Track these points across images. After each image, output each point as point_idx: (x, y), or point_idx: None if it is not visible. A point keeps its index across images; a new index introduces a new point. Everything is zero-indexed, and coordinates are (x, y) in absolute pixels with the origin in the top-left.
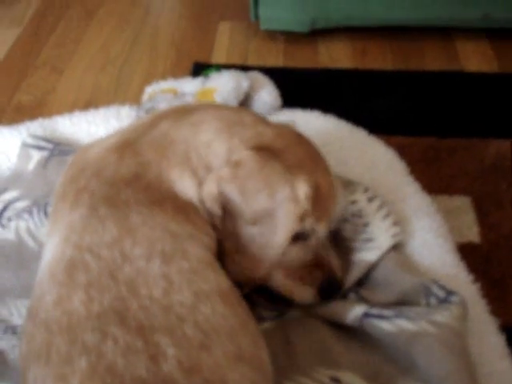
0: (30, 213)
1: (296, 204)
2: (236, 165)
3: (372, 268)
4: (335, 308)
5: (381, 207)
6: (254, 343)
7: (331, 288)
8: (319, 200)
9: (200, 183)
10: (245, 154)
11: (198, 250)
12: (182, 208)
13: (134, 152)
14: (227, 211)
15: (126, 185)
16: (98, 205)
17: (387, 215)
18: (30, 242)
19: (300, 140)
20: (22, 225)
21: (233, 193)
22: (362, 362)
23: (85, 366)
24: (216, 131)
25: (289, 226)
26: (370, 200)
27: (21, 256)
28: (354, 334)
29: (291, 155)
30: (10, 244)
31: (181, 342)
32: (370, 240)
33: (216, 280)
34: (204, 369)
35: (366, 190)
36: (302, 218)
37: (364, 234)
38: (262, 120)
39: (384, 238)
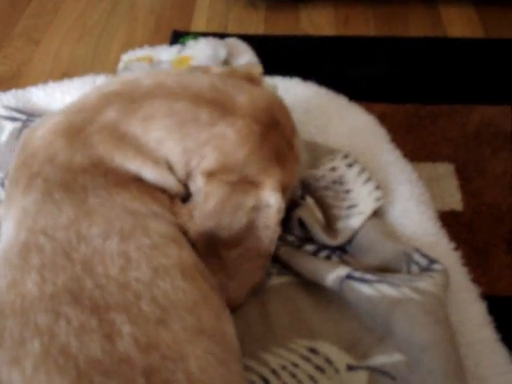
0: (2, 185)
1: (273, 212)
2: (205, 201)
3: (354, 234)
4: (317, 266)
5: (361, 172)
6: (216, 316)
7: None
8: (288, 180)
9: (165, 170)
10: (208, 189)
11: (162, 225)
12: (148, 190)
13: (84, 143)
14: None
15: (83, 172)
16: (52, 190)
17: (368, 179)
18: None
19: (267, 126)
20: None
21: (211, 229)
22: (340, 332)
23: (38, 348)
24: (167, 130)
25: (273, 231)
26: (350, 166)
27: None
28: (332, 300)
29: (255, 159)
30: None
31: (137, 319)
32: (353, 206)
33: (178, 255)
34: (162, 345)
35: (346, 156)
36: (280, 213)
37: (347, 200)
38: (220, 115)
39: (367, 202)
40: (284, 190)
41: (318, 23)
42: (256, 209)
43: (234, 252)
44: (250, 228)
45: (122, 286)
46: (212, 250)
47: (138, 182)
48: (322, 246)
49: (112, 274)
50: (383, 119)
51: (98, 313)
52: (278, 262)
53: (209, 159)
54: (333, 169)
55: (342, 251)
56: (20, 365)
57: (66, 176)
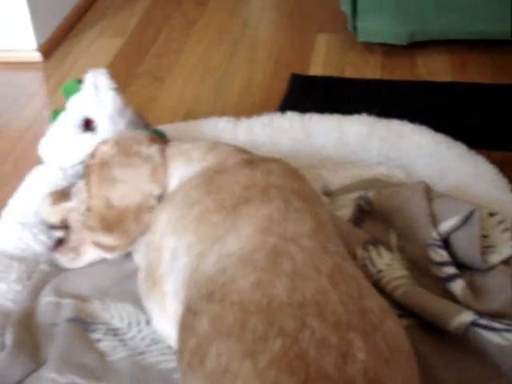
0: None
1: None
2: None
3: (482, 275)
4: (440, 309)
5: (501, 222)
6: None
7: None
8: None
9: None
10: None
11: None
12: None
13: None
14: None
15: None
16: (289, 198)
17: (507, 229)
18: None
19: None
20: None
21: None
22: (464, 379)
23: (278, 348)
24: None
25: None
26: (492, 215)
27: (122, 264)
28: (455, 345)
29: None
30: None
31: (371, 351)
32: (490, 247)
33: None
34: None
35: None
36: None
37: (483, 242)
38: None
39: (505, 246)
40: None
41: (434, 69)
42: None
43: None
44: None
45: (361, 311)
46: None
47: None
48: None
49: (352, 295)
50: (502, 167)
51: (339, 330)
52: (397, 305)
53: None
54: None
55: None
56: (255, 358)
57: (294, 184)
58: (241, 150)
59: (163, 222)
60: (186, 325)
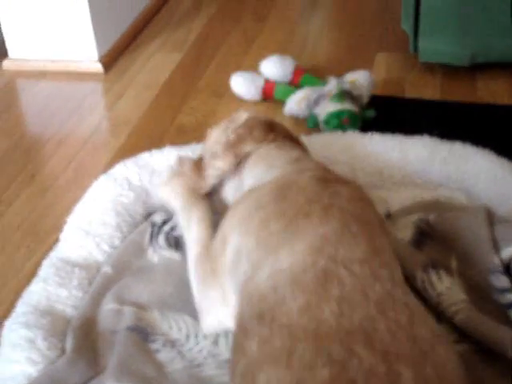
0: None
1: None
2: None
3: None
4: (501, 336)
5: None
6: None
7: None
8: None
9: None
10: None
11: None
12: None
13: None
14: None
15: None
16: (348, 221)
17: None
18: None
19: None
20: None
21: None
22: None
23: (327, 376)
24: None
25: None
26: None
27: (182, 272)
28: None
29: None
30: (174, 261)
31: (420, 381)
32: None
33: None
34: None
35: None
36: None
37: None
38: None
39: None
40: None
41: (495, 92)
42: None
43: None
44: None
45: (411, 339)
46: None
47: None
48: None
49: (402, 322)
50: None
51: (388, 360)
52: (456, 330)
53: None
54: None
55: None
56: None
57: (357, 209)
58: (321, 168)
59: (235, 217)
60: (237, 345)
